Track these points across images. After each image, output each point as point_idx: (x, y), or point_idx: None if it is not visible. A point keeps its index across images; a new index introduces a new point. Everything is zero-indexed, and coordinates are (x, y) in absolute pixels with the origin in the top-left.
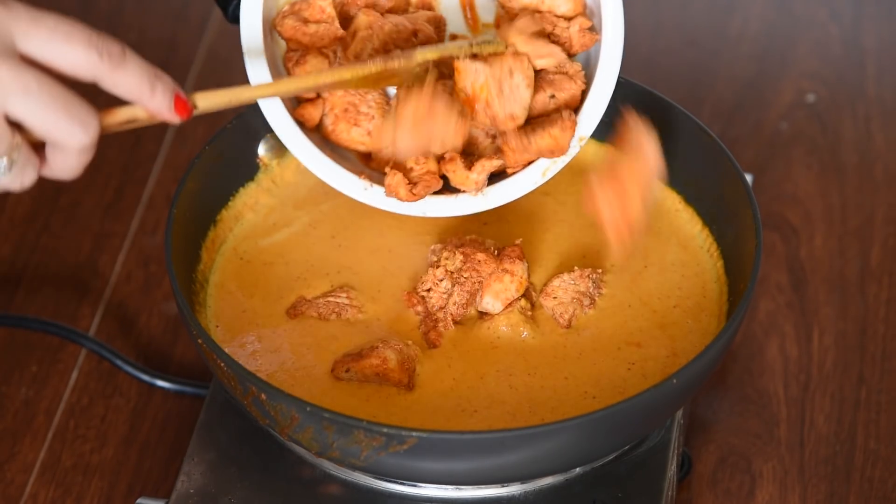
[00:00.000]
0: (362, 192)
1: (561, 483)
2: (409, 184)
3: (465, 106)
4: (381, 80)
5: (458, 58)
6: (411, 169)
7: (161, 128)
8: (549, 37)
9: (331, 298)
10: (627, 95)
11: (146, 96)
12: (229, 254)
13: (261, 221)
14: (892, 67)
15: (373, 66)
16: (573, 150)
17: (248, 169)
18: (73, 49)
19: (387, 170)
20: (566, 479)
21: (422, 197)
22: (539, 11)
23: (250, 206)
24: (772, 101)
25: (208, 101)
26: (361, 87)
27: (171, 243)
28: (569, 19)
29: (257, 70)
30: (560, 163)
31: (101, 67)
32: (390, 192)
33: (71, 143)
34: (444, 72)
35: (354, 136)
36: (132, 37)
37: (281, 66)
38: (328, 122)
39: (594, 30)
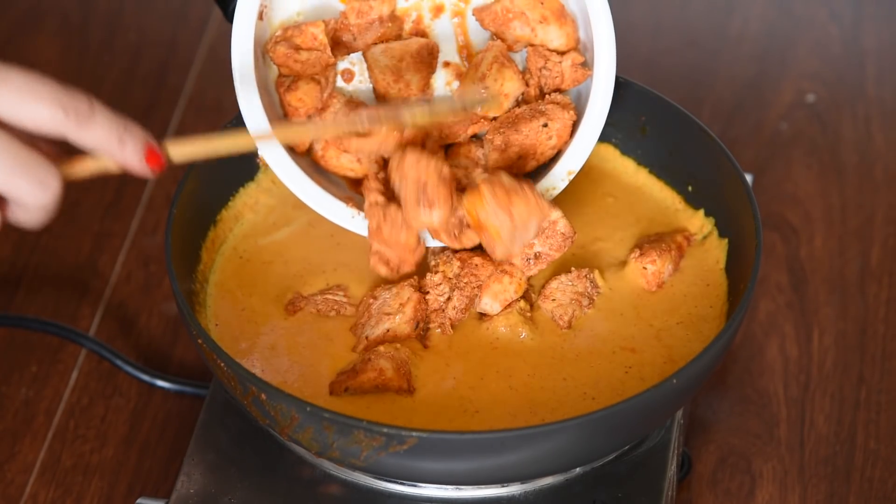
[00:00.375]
0: (349, 220)
1: (561, 483)
2: (388, 267)
3: (471, 222)
4: (365, 135)
5: (447, 116)
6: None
7: (162, 127)
8: (541, 70)
9: (329, 296)
10: (628, 96)
11: (115, 150)
12: (229, 253)
13: (260, 221)
14: (892, 67)
15: (358, 126)
16: (562, 184)
17: (248, 169)
18: (38, 107)
19: (370, 256)
20: (566, 479)
21: (404, 273)
22: (532, 45)
23: (250, 206)
24: (772, 101)
25: (181, 151)
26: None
27: (171, 243)
28: (562, 53)
29: (250, 104)
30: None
31: (68, 125)
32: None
33: (30, 202)
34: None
35: (343, 163)
36: (132, 37)
37: (273, 90)
38: (318, 147)
39: (587, 66)
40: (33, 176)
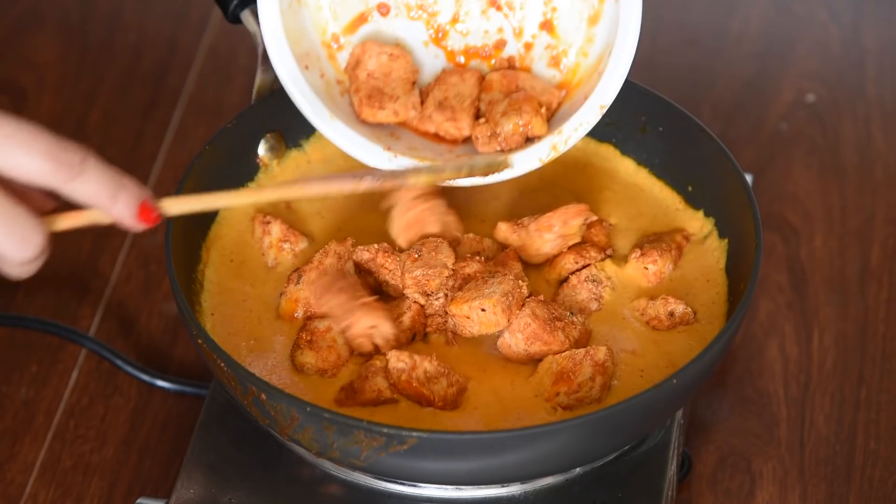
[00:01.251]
0: (387, 162)
1: (561, 483)
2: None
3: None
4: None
5: (452, 178)
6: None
7: (161, 127)
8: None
9: None
10: (628, 96)
11: (106, 205)
12: (229, 249)
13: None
14: (892, 67)
15: (361, 186)
16: (594, 118)
17: (248, 169)
18: (28, 159)
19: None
20: (566, 479)
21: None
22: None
23: (250, 205)
24: (772, 101)
25: (177, 207)
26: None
27: (171, 243)
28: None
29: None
30: (578, 134)
31: (57, 178)
32: None
33: (9, 257)
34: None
35: (380, 118)
36: (132, 37)
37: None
38: (354, 101)
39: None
40: (16, 232)
